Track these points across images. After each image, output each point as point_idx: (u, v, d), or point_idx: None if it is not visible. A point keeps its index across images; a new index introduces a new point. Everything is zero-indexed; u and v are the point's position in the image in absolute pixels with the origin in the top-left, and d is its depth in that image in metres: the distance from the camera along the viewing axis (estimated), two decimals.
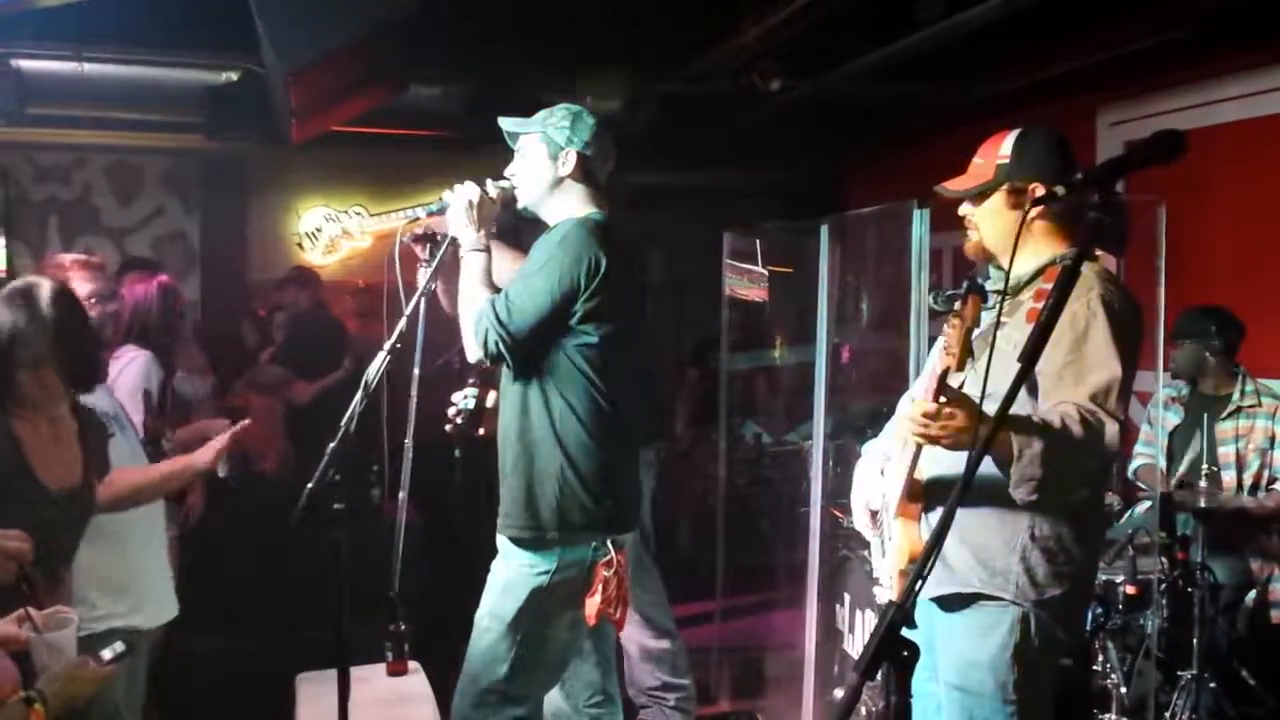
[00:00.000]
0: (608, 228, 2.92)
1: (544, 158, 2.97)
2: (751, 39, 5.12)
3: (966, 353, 2.17)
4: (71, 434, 2.63)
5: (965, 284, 2.24)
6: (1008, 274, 2.50)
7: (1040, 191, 2.29)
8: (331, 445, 2.60)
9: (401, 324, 2.80)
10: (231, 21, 4.29)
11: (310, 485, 2.56)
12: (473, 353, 2.87)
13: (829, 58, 5.57)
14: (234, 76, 5.53)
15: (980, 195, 2.60)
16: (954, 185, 2.66)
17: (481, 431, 3.22)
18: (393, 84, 5.55)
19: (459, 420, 3.29)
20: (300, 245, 8.11)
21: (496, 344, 2.79)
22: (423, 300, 2.87)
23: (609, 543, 2.88)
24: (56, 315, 2.50)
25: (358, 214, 8.00)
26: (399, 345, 2.79)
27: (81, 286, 3.41)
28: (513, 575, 2.90)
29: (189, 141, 7.17)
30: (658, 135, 6.52)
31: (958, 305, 2.16)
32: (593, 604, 2.84)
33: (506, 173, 3.04)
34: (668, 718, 4.38)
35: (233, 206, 8.28)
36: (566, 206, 2.99)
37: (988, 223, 2.60)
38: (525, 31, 5.35)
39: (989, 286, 2.59)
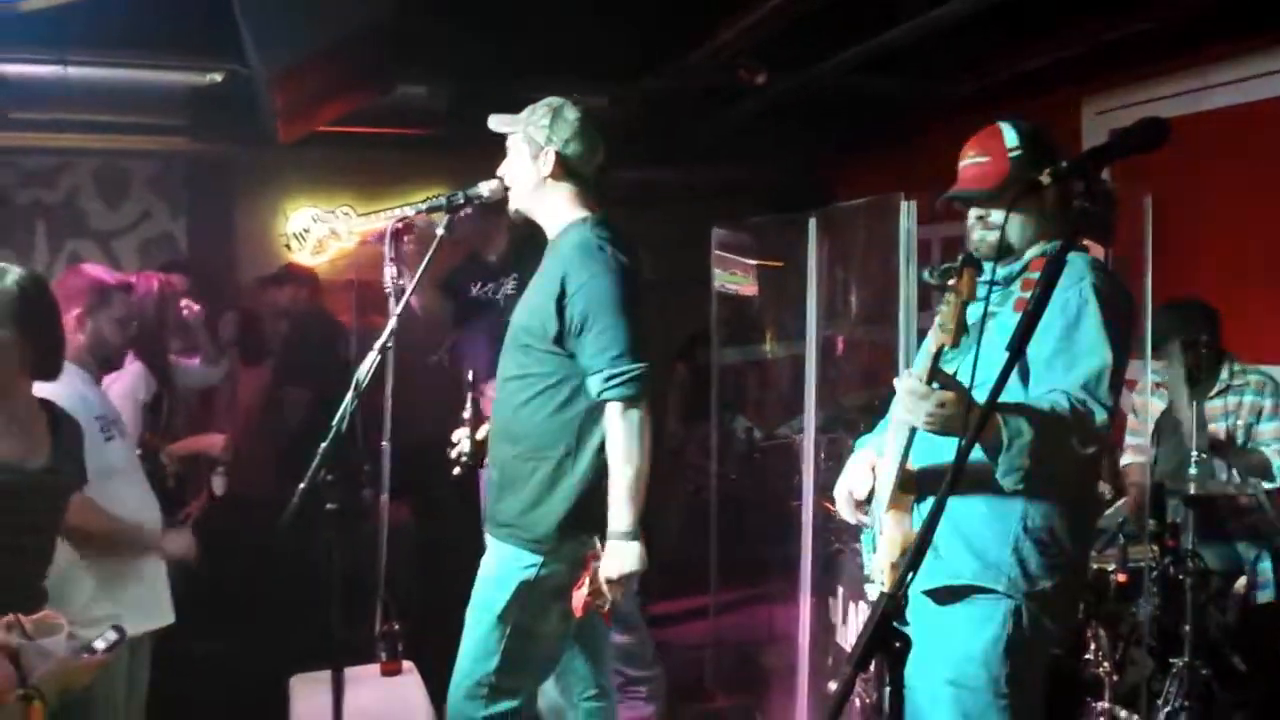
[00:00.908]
0: (612, 228, 2.91)
1: (526, 158, 2.95)
2: (733, 35, 5.11)
3: (962, 329, 2.13)
4: (41, 421, 2.59)
5: (960, 258, 2.21)
6: (995, 267, 2.47)
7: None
8: (323, 445, 2.60)
9: (393, 324, 2.80)
10: (215, 23, 4.26)
11: (302, 486, 2.56)
12: (621, 409, 2.82)
13: (809, 53, 5.56)
14: (218, 78, 5.49)
15: (999, 194, 2.49)
16: (970, 187, 2.56)
17: (486, 464, 3.21)
18: (379, 83, 5.54)
19: (462, 461, 3.32)
20: (288, 246, 8.08)
21: (637, 385, 2.81)
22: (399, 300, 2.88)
23: (596, 537, 2.87)
24: (23, 295, 2.49)
25: (345, 214, 7.97)
26: (389, 346, 2.80)
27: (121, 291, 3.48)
28: (502, 569, 2.91)
29: (174, 144, 7.13)
30: (643, 131, 6.50)
31: (953, 280, 2.12)
32: (579, 596, 2.84)
33: (499, 173, 3.03)
34: (639, 711, 4.35)
35: (220, 208, 8.22)
36: (556, 208, 2.97)
37: (1015, 218, 2.50)
38: (510, 29, 5.34)
39: (980, 279, 2.57)
